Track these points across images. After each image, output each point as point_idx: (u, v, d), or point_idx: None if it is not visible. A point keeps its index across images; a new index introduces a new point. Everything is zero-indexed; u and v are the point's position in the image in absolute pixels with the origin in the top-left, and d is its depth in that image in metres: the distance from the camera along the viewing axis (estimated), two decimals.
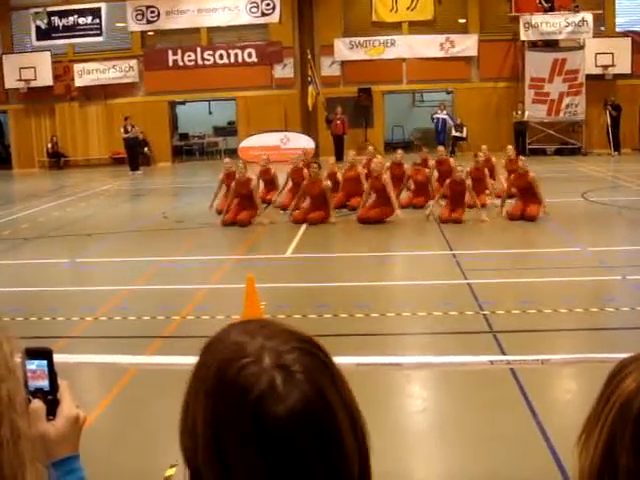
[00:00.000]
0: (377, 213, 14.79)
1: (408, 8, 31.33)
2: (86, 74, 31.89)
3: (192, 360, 1.24)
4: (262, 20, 31.68)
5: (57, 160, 32.06)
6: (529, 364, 4.51)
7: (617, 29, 30.93)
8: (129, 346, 7.79)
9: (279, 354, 1.15)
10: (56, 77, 31.77)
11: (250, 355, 1.14)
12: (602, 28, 30.55)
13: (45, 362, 1.45)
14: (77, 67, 31.79)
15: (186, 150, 34.27)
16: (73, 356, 5.72)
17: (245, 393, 1.11)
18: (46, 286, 10.62)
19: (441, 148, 18.68)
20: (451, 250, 12.21)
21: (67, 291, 10.53)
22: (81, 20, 31.66)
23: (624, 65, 30.02)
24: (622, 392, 1.33)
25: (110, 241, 14.33)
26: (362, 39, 31.31)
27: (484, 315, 8.43)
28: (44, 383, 1.45)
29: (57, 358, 1.48)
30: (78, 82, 31.85)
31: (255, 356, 1.14)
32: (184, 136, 34.69)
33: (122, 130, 28.67)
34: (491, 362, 4.09)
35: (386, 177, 15.07)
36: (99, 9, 31.63)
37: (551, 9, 29.43)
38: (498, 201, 15.40)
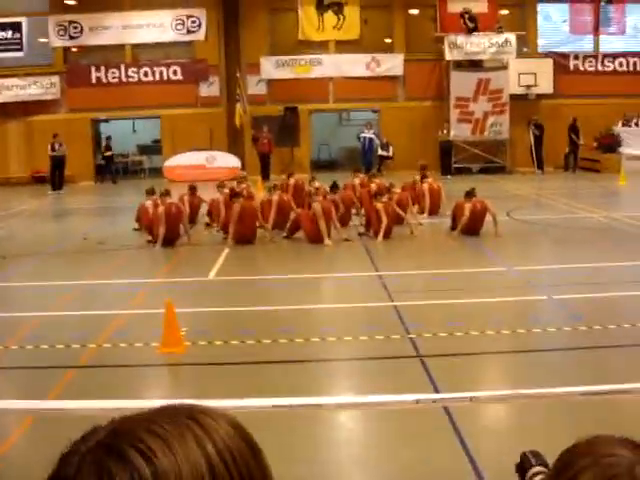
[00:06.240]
0: None
1: (334, 27, 31.39)
2: (5, 90, 31.00)
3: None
4: (188, 37, 31.38)
5: None
6: (457, 401, 4.32)
7: (539, 50, 31.54)
8: (40, 377, 7.40)
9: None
10: None
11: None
12: (525, 49, 31.11)
13: None
14: None
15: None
16: None
17: None
18: None
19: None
20: (377, 271, 12.04)
21: None
22: (1, 34, 30.82)
23: (546, 85, 30.61)
24: None
25: (26, 264, 13.74)
26: (289, 57, 31.21)
27: (411, 338, 8.24)
28: None
29: None
30: None
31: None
32: None
33: (49, 147, 27.84)
34: (417, 401, 3.86)
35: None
36: (19, 23, 30.82)
37: (475, 30, 29.82)
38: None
